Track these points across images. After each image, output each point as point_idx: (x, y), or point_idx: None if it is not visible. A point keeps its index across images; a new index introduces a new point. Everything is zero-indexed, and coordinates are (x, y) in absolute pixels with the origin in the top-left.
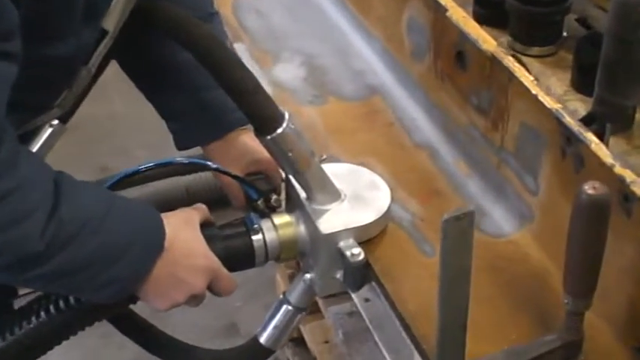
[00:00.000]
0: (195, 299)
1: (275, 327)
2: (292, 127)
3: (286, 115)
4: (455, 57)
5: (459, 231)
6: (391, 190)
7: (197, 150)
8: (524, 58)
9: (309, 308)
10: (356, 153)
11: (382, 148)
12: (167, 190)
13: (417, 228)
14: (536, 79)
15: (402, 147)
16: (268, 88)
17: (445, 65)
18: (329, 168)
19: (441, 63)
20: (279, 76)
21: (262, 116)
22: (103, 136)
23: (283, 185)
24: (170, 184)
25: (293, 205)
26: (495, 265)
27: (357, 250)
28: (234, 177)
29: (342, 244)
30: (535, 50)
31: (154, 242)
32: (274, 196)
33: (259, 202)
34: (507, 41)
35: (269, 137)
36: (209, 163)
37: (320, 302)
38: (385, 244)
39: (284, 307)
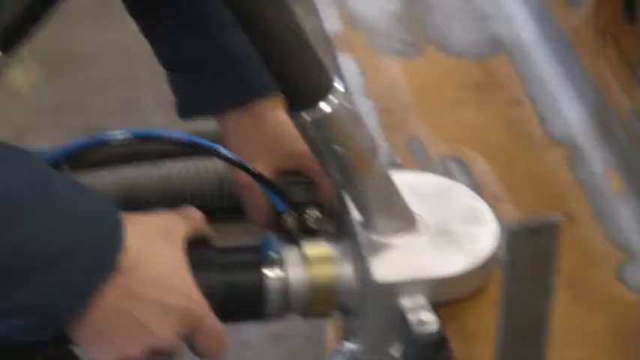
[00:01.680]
0: (158, 357)
1: None
2: (348, 106)
3: (338, 86)
4: (623, 6)
5: (535, 254)
6: (496, 201)
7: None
8: None
9: None
10: (452, 139)
11: (496, 138)
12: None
13: None
14: None
15: (528, 139)
16: (336, 24)
17: (609, 18)
18: (404, 178)
19: (604, 14)
20: (357, 7)
21: (299, 82)
22: (106, 82)
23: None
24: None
25: (343, 231)
26: (633, 338)
27: (428, 315)
28: (255, 176)
29: (406, 302)
30: None
31: (102, 257)
32: (314, 213)
33: (289, 219)
34: None
35: (304, 114)
36: (219, 147)
37: None
38: None
39: None
